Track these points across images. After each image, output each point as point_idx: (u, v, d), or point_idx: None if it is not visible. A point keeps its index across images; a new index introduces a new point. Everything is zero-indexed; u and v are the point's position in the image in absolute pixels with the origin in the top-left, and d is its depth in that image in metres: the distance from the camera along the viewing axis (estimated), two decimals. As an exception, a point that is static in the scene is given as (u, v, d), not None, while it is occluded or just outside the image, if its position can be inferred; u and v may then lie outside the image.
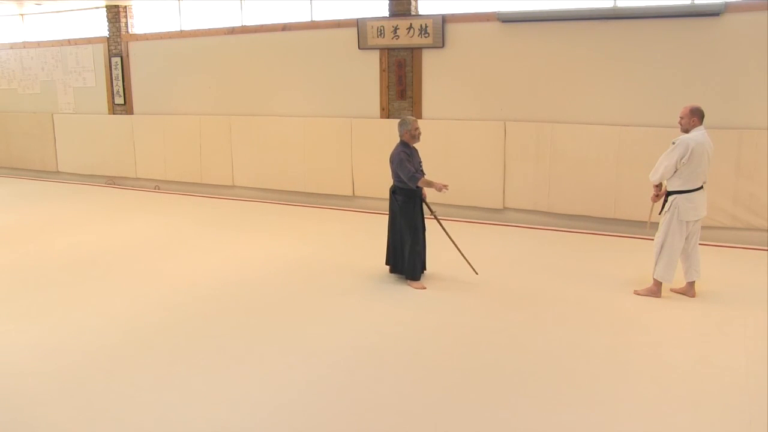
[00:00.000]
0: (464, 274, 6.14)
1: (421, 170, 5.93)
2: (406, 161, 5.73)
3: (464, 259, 6.13)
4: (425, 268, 6.07)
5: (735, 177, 7.18)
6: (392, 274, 6.14)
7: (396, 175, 5.85)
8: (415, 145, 5.93)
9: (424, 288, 5.85)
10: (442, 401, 3.82)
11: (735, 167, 7.16)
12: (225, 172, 10.60)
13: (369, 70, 9.14)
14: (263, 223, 8.64)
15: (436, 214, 6.06)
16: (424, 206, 6.01)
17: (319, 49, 9.47)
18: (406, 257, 5.91)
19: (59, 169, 12.58)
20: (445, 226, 6.15)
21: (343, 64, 9.31)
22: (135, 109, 11.52)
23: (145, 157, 11.45)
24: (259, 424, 3.59)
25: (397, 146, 5.86)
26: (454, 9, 8.55)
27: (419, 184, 5.79)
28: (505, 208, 8.50)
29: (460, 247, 6.11)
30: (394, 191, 5.94)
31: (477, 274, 6.12)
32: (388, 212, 6.11)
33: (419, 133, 5.86)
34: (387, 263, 6.17)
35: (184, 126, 10.87)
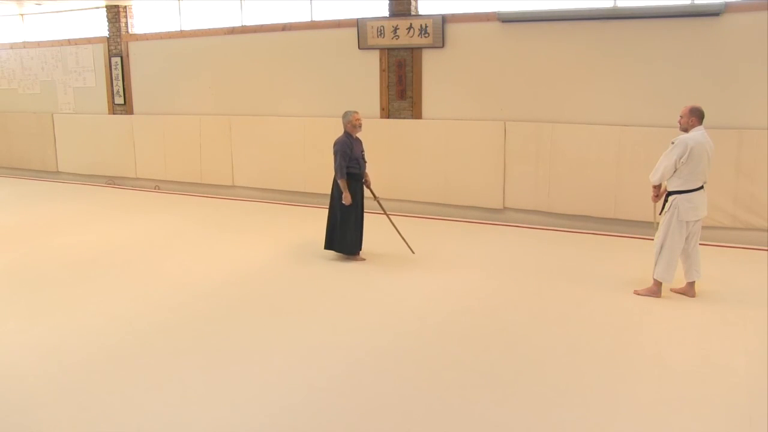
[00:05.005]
0: (463, 275, 6.15)
1: (363, 158, 6.63)
2: (341, 153, 6.42)
3: (402, 240, 6.78)
4: (360, 247, 6.73)
5: (735, 177, 7.18)
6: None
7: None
8: (358, 136, 6.63)
9: (364, 260, 6.65)
10: (442, 401, 3.82)
11: (735, 167, 7.16)
12: (225, 172, 10.59)
13: (369, 70, 9.13)
14: (263, 223, 8.63)
15: (378, 198, 6.86)
16: (366, 190, 6.74)
17: (319, 49, 9.47)
18: (347, 236, 6.56)
19: (59, 169, 12.57)
20: (385, 209, 6.95)
21: (343, 64, 9.30)
22: (135, 109, 11.51)
23: (145, 157, 11.44)
24: (261, 425, 3.59)
25: (341, 136, 6.56)
26: (454, 9, 8.54)
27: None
28: (505, 208, 8.50)
29: (399, 230, 6.83)
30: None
31: (414, 253, 6.73)
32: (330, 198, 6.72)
33: (360, 124, 6.57)
34: (326, 247, 6.74)
35: (184, 126, 10.87)
